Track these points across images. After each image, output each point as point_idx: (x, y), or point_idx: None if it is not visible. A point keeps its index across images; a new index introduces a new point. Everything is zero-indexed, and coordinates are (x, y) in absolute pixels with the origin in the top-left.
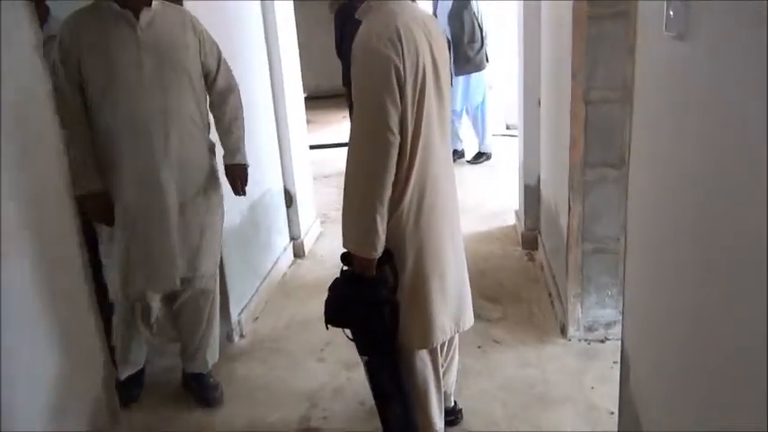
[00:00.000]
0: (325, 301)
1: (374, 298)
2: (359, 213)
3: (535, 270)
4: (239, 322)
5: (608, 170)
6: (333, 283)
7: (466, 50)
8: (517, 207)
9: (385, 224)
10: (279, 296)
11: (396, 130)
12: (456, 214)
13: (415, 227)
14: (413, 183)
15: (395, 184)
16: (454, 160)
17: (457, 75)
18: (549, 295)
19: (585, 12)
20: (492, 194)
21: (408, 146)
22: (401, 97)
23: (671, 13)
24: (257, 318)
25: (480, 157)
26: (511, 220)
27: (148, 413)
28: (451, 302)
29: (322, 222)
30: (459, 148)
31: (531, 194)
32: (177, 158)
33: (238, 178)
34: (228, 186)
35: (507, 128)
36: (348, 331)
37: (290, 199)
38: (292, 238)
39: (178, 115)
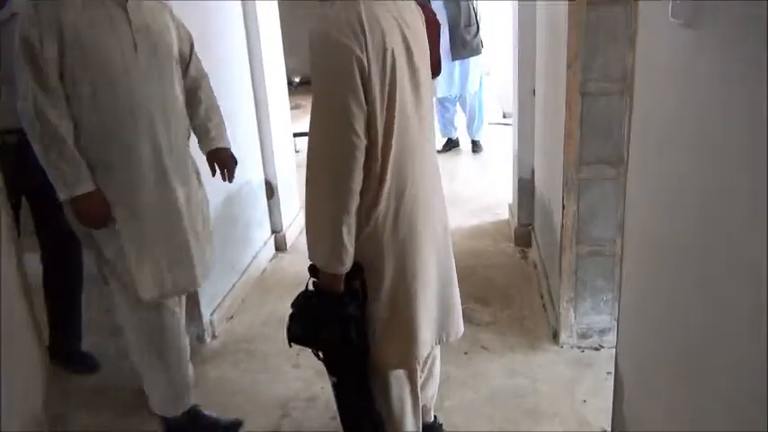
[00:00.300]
0: (289, 316)
1: (341, 316)
2: (323, 226)
3: (528, 268)
4: (211, 322)
5: (605, 167)
6: (297, 299)
7: (462, 34)
8: (511, 201)
9: (353, 236)
10: (257, 293)
11: (361, 131)
12: (442, 215)
13: (393, 234)
14: (387, 187)
15: (366, 190)
16: (449, 149)
17: (453, 59)
18: (542, 297)
19: None
20: (485, 186)
21: (379, 147)
22: (366, 94)
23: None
24: (232, 317)
25: (475, 146)
26: (504, 214)
27: (108, 417)
28: (434, 312)
29: None
30: (454, 137)
31: (525, 188)
32: (176, 148)
33: (226, 162)
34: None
35: (504, 116)
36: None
37: (270, 190)
38: (274, 231)
39: (173, 103)
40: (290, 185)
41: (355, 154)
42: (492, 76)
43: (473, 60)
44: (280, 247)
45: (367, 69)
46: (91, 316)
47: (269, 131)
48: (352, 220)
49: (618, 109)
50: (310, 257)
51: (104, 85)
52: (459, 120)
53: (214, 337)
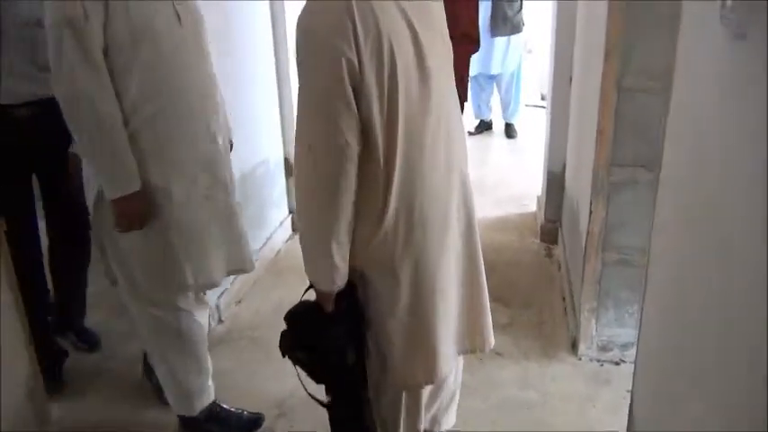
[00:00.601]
0: (282, 332)
1: (328, 338)
2: (311, 241)
3: (552, 268)
4: (218, 307)
5: (639, 171)
6: (291, 312)
7: (505, 9)
8: (540, 193)
9: (345, 252)
10: (269, 276)
11: (352, 138)
12: (466, 212)
13: (405, 244)
14: (395, 195)
15: (371, 200)
16: (480, 132)
17: (493, 36)
18: (564, 300)
19: None
20: (515, 175)
21: (381, 150)
22: (360, 97)
23: (728, 1)
24: (240, 301)
25: (508, 129)
26: (532, 206)
27: (101, 408)
28: (457, 323)
29: None
30: (488, 119)
31: (555, 182)
32: (221, 130)
33: None
34: None
35: (542, 98)
36: None
37: (290, 168)
38: (291, 212)
39: (214, 82)
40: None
41: (345, 164)
42: (533, 54)
43: (514, 38)
44: (297, 227)
45: (359, 71)
46: (97, 290)
47: (291, 108)
48: (343, 234)
49: (657, 107)
50: (305, 268)
51: (155, 64)
52: (495, 100)
53: (220, 321)
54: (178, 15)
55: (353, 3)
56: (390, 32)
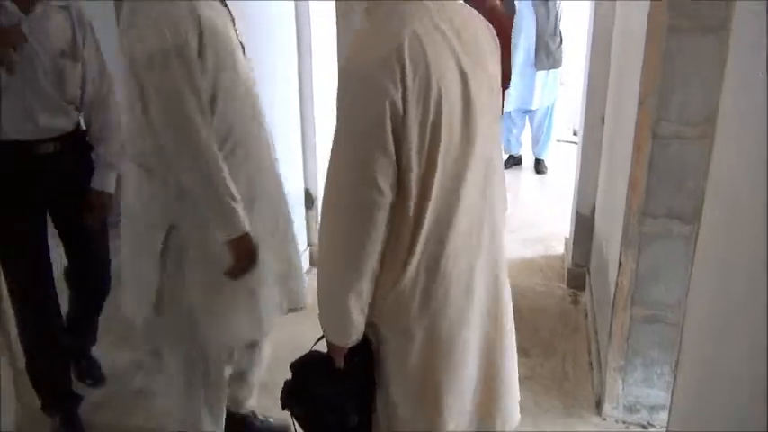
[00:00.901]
0: (285, 382)
1: (332, 397)
2: (330, 288)
3: (578, 317)
4: None
5: (674, 222)
6: (298, 362)
7: (548, 42)
8: (568, 234)
9: (364, 304)
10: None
11: (386, 186)
12: (496, 277)
13: (424, 300)
14: (421, 246)
15: (395, 248)
16: (509, 167)
17: (538, 69)
18: (589, 353)
19: (665, 22)
20: (543, 213)
21: (412, 201)
22: (399, 143)
23: None
24: None
25: (538, 165)
26: (559, 247)
27: None
28: (472, 395)
29: None
30: (517, 153)
31: (584, 225)
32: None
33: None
34: None
35: (574, 133)
36: None
37: (310, 200)
38: (310, 245)
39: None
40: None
41: (375, 213)
42: (565, 87)
43: (552, 72)
44: (315, 261)
45: (403, 114)
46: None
47: (313, 138)
48: (365, 285)
49: (695, 156)
50: (318, 317)
51: (234, 94)
52: (525, 134)
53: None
54: (242, 45)
55: (405, 42)
56: (440, 78)
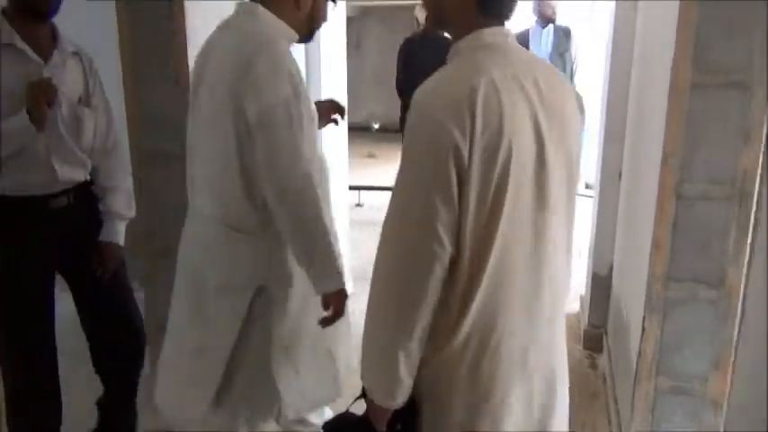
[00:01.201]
0: None
1: None
2: (376, 347)
3: (596, 381)
4: None
5: (700, 288)
6: (331, 423)
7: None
8: (583, 292)
9: (413, 366)
10: None
11: (446, 238)
12: (553, 360)
13: (473, 371)
14: (475, 310)
15: (446, 310)
16: None
17: None
18: (609, 422)
19: (688, 78)
20: None
21: (466, 259)
22: (461, 192)
23: None
24: None
25: None
26: (574, 305)
27: None
28: None
29: (356, 281)
30: None
31: (601, 285)
32: None
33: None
34: None
35: (586, 186)
36: None
37: None
38: None
39: None
40: (340, 244)
41: (433, 266)
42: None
43: None
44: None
45: (467, 162)
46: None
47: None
48: (415, 345)
49: (722, 218)
50: (361, 374)
51: (311, 135)
52: None
53: None
54: None
55: (480, 91)
56: (513, 135)
